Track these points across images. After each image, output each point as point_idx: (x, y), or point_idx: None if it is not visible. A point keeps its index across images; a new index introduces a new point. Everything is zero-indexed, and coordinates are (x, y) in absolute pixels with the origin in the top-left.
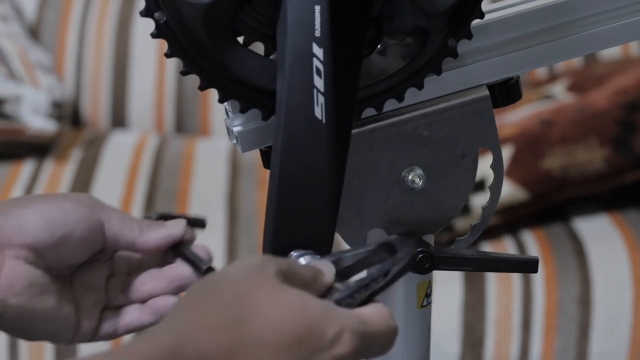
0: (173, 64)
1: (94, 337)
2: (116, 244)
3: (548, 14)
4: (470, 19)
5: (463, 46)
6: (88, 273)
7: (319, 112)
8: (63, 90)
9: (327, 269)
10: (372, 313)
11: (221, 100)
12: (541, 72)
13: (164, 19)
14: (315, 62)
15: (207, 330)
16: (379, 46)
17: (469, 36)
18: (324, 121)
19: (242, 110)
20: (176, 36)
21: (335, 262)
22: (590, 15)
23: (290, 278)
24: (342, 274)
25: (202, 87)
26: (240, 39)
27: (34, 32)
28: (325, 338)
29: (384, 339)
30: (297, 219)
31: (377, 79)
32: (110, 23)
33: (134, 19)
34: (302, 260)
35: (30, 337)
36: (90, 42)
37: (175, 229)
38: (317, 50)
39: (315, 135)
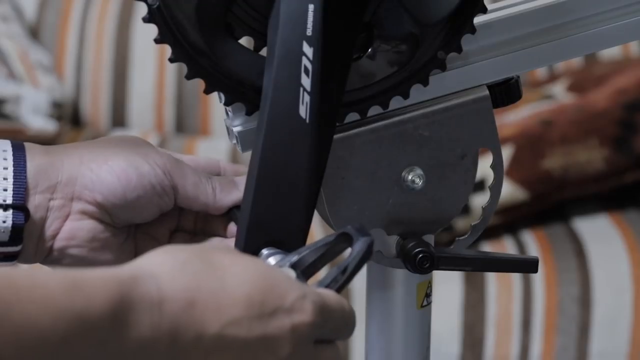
0: (173, 64)
1: None
2: (189, 207)
3: (548, 14)
4: (461, 33)
5: (463, 46)
6: (154, 225)
7: (303, 110)
8: (63, 90)
9: None
10: (331, 293)
11: (207, 91)
12: (541, 72)
13: (157, 4)
14: (304, 61)
15: (170, 271)
16: (369, 50)
17: (459, 50)
18: (307, 120)
19: (227, 103)
20: (167, 22)
21: (298, 261)
22: (590, 15)
23: None
24: (306, 272)
25: (189, 77)
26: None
27: (34, 32)
28: (286, 300)
29: (340, 319)
30: (271, 216)
31: (364, 83)
32: (110, 23)
33: (134, 19)
34: (272, 260)
35: None
36: (90, 42)
37: None
38: (307, 49)
39: (297, 133)
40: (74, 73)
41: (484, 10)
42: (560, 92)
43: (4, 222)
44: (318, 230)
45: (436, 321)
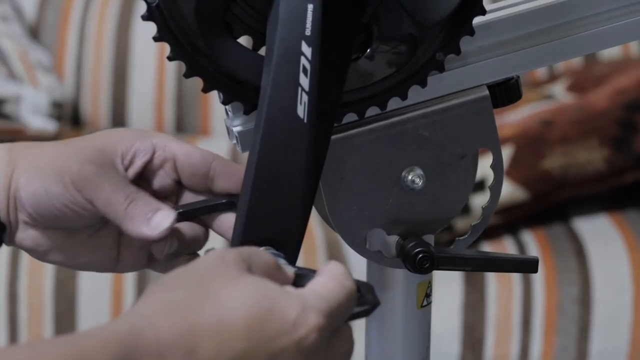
0: (173, 64)
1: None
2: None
3: (548, 14)
4: (460, 34)
5: (463, 46)
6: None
7: (301, 110)
8: (63, 90)
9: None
10: (328, 281)
11: (205, 90)
12: (541, 72)
13: (157, 2)
14: (303, 61)
15: (166, 316)
16: (367, 51)
17: (457, 52)
18: (305, 120)
19: (224, 102)
20: (166, 20)
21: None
22: (590, 15)
23: (252, 265)
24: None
25: (188, 75)
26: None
27: (34, 32)
28: (287, 320)
29: (347, 306)
30: (268, 216)
31: (362, 84)
32: (110, 23)
33: (134, 19)
34: None
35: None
36: (90, 42)
37: (162, 221)
38: (306, 49)
39: (295, 133)
40: (74, 73)
41: (483, 12)
42: (560, 92)
43: None
44: (318, 230)
45: (436, 321)
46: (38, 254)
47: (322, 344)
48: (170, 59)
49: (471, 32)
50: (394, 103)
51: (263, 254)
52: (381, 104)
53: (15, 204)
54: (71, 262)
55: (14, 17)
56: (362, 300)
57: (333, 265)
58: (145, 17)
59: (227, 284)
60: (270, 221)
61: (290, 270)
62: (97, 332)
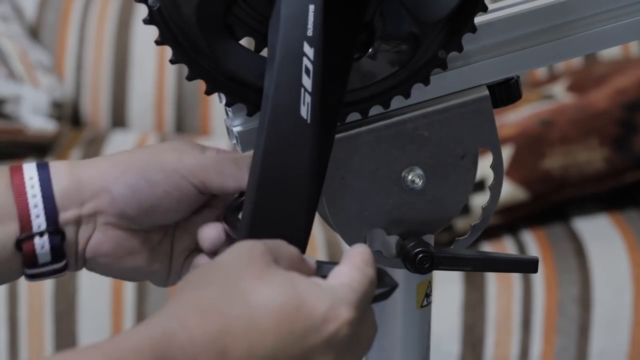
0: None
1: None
2: (224, 194)
3: (548, 14)
4: (462, 31)
5: (464, 45)
6: (194, 220)
7: (304, 111)
8: (63, 90)
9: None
10: (354, 271)
11: (208, 92)
12: (541, 72)
13: (158, 5)
14: (305, 61)
15: (197, 317)
16: (369, 50)
17: (460, 49)
18: (309, 121)
19: (228, 104)
20: (168, 24)
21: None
22: (590, 15)
23: (279, 257)
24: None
25: (190, 78)
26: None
27: (34, 32)
28: (316, 316)
29: (371, 294)
30: (273, 216)
31: (365, 83)
32: (110, 23)
33: (134, 19)
34: None
35: (127, 280)
36: (90, 42)
37: None
38: (308, 50)
39: (299, 134)
40: (74, 73)
41: (485, 9)
42: (560, 92)
43: (43, 247)
44: (318, 230)
45: (436, 321)
46: (112, 259)
47: (353, 336)
48: (172, 62)
49: (473, 29)
50: (394, 102)
51: (287, 246)
52: (384, 102)
53: (91, 210)
54: (143, 268)
55: (14, 17)
56: (381, 283)
57: (355, 252)
58: (147, 21)
59: (255, 280)
60: (276, 221)
61: (312, 261)
62: (128, 338)
